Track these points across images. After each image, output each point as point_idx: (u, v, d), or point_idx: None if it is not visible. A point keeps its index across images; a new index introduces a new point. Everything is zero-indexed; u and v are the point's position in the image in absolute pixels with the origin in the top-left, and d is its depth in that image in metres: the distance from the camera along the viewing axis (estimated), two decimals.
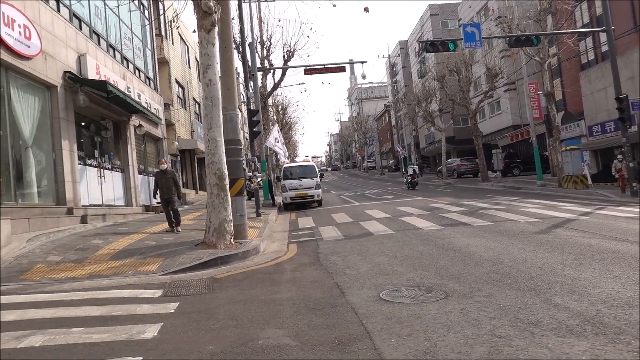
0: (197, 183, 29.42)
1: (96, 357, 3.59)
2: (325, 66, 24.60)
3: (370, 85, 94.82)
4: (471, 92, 31.61)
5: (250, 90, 19.68)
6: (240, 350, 3.63)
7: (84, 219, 11.96)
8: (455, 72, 30.99)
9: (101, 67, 14.24)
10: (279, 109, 43.97)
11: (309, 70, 24.49)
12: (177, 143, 23.42)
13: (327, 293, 5.31)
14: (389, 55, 58.84)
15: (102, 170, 14.58)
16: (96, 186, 14.12)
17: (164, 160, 11.35)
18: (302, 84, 65.57)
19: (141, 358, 3.53)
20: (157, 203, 11.63)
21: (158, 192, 10.92)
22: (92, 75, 13.41)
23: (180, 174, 25.01)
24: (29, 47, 10.55)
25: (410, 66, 57.69)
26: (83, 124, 13.94)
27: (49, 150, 11.73)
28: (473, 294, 4.82)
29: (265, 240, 9.87)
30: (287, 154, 24.91)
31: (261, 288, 5.81)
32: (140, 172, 17.80)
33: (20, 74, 10.69)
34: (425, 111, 38.65)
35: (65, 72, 12.30)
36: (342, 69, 25.15)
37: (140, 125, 17.41)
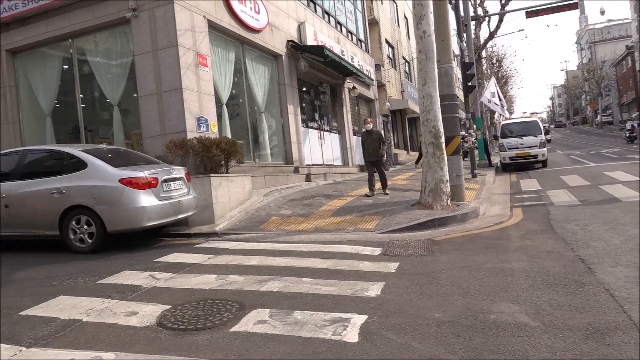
0: (408, 143, 29.47)
1: (325, 309, 3.70)
2: (552, 5, 21.39)
3: (606, 24, 79.73)
4: None
5: (463, 43, 18.40)
6: (470, 323, 3.29)
7: (308, 177, 13.04)
8: None
9: (318, 33, 15.01)
10: (494, 61, 40.49)
11: (532, 13, 21.65)
12: (388, 103, 23.65)
13: (569, 267, 4.52)
14: None
15: (321, 132, 15.62)
16: (317, 147, 15.22)
17: (369, 119, 11.03)
18: (522, 30, 57.82)
19: (366, 316, 3.50)
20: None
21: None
22: (310, 41, 14.23)
23: (392, 135, 25.33)
24: (258, 20, 11.66)
25: None
26: (304, 89, 15.05)
27: (278, 114, 12.99)
28: None
29: (484, 202, 9.16)
30: (505, 107, 22.75)
31: (485, 255, 5.31)
32: (354, 134, 18.56)
33: (253, 47, 11.95)
34: None
35: (288, 41, 13.32)
36: (574, 6, 21.54)
37: (354, 88, 18.01)
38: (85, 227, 6.52)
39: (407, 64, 29.87)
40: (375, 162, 10.35)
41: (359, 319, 3.44)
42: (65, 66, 10.71)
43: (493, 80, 20.82)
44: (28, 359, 3.05)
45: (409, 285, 4.28)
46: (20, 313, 3.93)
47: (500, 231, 6.73)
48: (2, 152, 7.82)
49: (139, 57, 9.25)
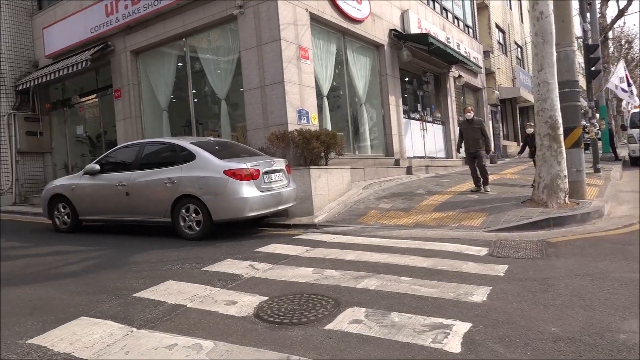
0: (519, 134, 27.51)
1: (424, 312, 3.48)
2: None
3: None
4: None
5: (587, 23, 16.56)
6: (594, 342, 2.86)
7: (409, 170, 12.66)
8: None
9: (422, 21, 14.45)
10: (623, 43, 36.14)
11: None
12: (497, 92, 22.20)
13: None
14: None
15: (424, 123, 15.10)
16: (419, 139, 14.74)
17: (470, 107, 10.00)
18: None
19: (470, 324, 3.21)
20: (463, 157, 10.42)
21: (463, 145, 9.83)
22: (413, 29, 13.75)
23: (501, 125, 23.80)
24: (360, 10, 11.50)
25: None
26: (406, 79, 14.62)
27: (379, 105, 12.76)
28: None
29: (609, 201, 8.16)
30: (635, 93, 20.19)
31: (612, 262, 4.67)
32: (459, 124, 17.69)
33: (354, 37, 11.82)
34: None
35: (390, 30, 12.98)
36: None
37: (459, 76, 17.15)
38: (194, 215, 6.90)
39: (519, 49, 27.78)
40: (474, 154, 9.54)
41: (462, 327, 3.17)
42: (179, 64, 11.46)
43: (622, 64, 18.57)
44: (138, 339, 3.24)
45: (519, 292, 3.88)
46: (134, 295, 4.23)
47: (630, 235, 5.92)
48: (125, 144, 8.58)
49: (244, 52, 9.58)
